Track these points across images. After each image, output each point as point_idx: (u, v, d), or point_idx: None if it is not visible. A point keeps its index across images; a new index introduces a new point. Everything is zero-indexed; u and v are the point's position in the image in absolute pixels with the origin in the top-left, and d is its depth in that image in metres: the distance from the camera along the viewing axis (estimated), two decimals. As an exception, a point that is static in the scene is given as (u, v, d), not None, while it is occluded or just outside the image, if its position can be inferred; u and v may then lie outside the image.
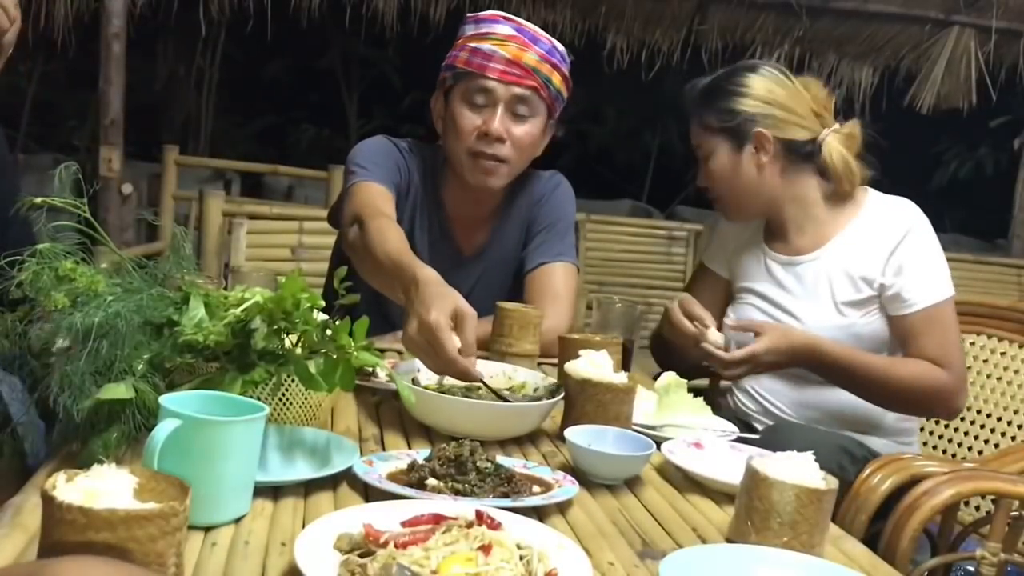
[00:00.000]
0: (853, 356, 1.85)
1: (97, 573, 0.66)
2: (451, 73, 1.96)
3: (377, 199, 1.92)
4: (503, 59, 1.91)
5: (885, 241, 1.90)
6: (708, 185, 2.03)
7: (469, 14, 2.02)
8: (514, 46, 1.92)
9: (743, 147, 1.95)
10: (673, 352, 2.03)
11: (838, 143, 1.93)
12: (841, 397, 1.91)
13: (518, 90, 1.92)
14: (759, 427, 2.01)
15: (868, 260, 1.91)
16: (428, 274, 1.52)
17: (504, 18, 1.96)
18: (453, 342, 1.40)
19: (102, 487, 0.79)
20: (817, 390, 1.93)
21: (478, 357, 1.69)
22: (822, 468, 1.15)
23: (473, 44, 1.93)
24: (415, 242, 2.05)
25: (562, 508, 1.17)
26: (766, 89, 1.95)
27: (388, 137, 2.11)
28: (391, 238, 1.75)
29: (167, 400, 1.01)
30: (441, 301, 1.44)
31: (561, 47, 1.99)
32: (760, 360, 1.82)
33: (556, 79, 1.96)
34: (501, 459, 1.23)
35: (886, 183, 2.00)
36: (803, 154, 1.95)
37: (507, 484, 1.15)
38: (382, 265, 1.70)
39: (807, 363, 1.86)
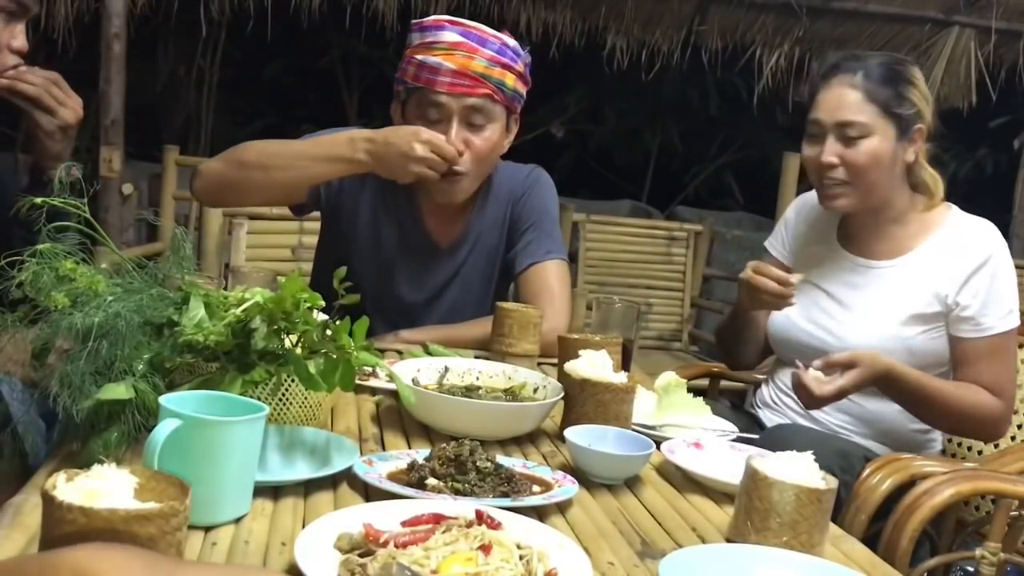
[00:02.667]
0: (925, 381, 1.82)
1: (113, 559, 0.66)
2: (403, 86, 1.95)
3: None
4: (449, 71, 1.87)
5: (967, 261, 1.87)
6: (840, 164, 1.88)
7: (414, 21, 1.97)
8: (460, 55, 1.88)
9: (902, 138, 1.88)
10: (743, 339, 2.10)
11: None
12: (884, 415, 1.91)
13: (470, 100, 1.89)
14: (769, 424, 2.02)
15: (946, 277, 1.88)
16: (362, 129, 1.87)
17: (449, 22, 1.92)
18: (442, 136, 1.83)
19: (102, 487, 0.79)
20: (861, 406, 1.92)
21: (478, 357, 1.70)
22: (821, 469, 1.15)
23: (419, 57, 1.90)
24: (384, 235, 2.05)
25: (562, 508, 1.17)
26: (926, 86, 1.91)
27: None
28: (284, 140, 1.96)
29: (167, 400, 1.01)
30: (403, 126, 1.85)
31: (513, 43, 1.95)
32: (848, 394, 1.77)
33: (510, 79, 1.92)
34: (501, 459, 1.24)
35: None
36: None
37: (507, 484, 1.15)
38: (301, 154, 1.88)
39: (881, 387, 1.84)
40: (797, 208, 2.14)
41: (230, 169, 1.92)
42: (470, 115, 1.90)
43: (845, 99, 1.86)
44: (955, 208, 1.96)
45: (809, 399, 1.75)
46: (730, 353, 2.24)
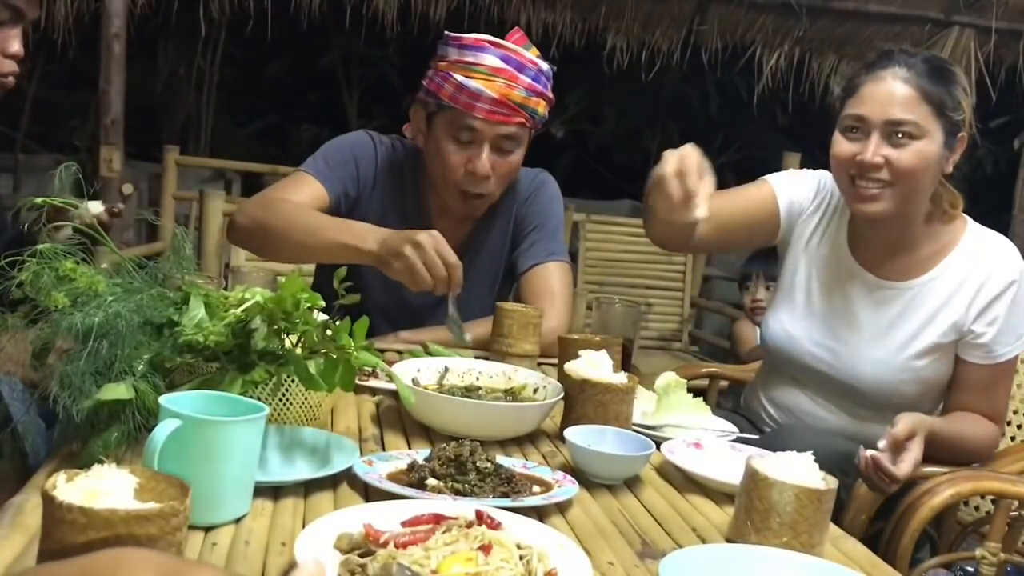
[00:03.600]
0: (948, 432, 1.74)
1: (137, 555, 0.65)
2: (434, 100, 1.94)
3: (300, 192, 1.95)
4: (490, 99, 1.87)
5: (988, 288, 1.76)
6: (883, 164, 1.70)
7: (452, 34, 1.96)
8: (501, 82, 1.88)
9: (946, 145, 1.72)
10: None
11: None
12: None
13: (504, 129, 1.90)
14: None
15: (965, 304, 1.77)
16: (384, 229, 1.80)
17: (490, 43, 1.91)
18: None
19: (102, 487, 0.79)
20: (860, 424, 1.85)
21: (478, 357, 1.70)
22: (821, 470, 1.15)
23: (459, 77, 1.88)
24: (390, 224, 2.05)
25: (562, 508, 1.17)
26: (969, 91, 1.76)
27: (368, 132, 2.11)
28: (315, 212, 1.91)
29: (167, 400, 1.01)
30: (419, 232, 1.73)
31: (545, 66, 1.96)
32: (919, 463, 1.64)
33: (542, 108, 1.95)
34: (501, 459, 1.24)
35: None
36: None
37: (507, 484, 1.15)
38: (319, 231, 1.83)
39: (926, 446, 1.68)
40: (821, 185, 1.90)
41: (256, 229, 1.92)
42: (501, 141, 1.92)
43: (897, 94, 1.69)
44: (970, 221, 1.84)
45: (892, 482, 1.61)
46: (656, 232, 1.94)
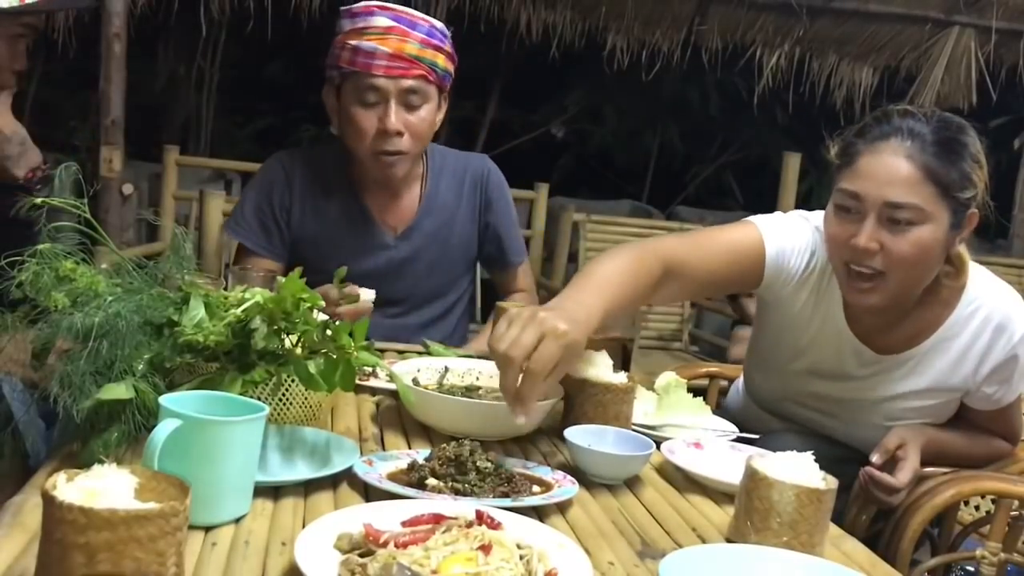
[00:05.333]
0: (955, 444, 1.71)
1: None
2: (337, 72, 2.00)
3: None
4: (385, 55, 1.93)
5: (992, 354, 1.63)
6: (878, 250, 1.52)
7: (343, 7, 2.03)
8: (394, 38, 1.94)
9: (954, 227, 1.54)
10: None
11: None
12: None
13: (406, 82, 1.95)
14: None
15: (971, 370, 1.65)
16: None
17: (379, 8, 1.98)
18: None
19: (102, 487, 0.79)
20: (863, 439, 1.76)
21: (479, 357, 1.71)
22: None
23: (353, 42, 1.95)
24: (333, 229, 2.08)
25: (562, 508, 1.17)
26: (982, 152, 1.56)
27: (278, 155, 2.15)
28: None
29: (167, 400, 1.01)
30: None
31: (439, 24, 2.02)
32: (918, 470, 1.61)
33: (441, 60, 1.99)
34: (501, 459, 1.24)
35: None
36: None
37: (507, 484, 1.16)
38: None
39: (927, 456, 1.66)
40: (813, 256, 1.68)
41: None
42: (406, 97, 1.96)
43: (897, 173, 1.50)
44: (973, 273, 1.66)
45: (893, 492, 1.59)
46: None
